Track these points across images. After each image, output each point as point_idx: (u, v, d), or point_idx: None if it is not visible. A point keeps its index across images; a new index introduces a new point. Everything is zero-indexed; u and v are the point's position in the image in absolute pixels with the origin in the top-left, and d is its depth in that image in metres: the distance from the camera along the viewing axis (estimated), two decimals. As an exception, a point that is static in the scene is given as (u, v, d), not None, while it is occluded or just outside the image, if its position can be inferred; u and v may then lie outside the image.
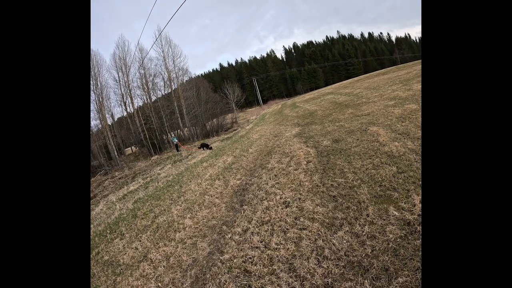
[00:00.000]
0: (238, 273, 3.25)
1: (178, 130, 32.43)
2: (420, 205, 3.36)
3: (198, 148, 17.04)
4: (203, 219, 5.13)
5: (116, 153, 27.66)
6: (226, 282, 3.15)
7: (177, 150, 22.74)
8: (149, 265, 4.04)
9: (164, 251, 4.32)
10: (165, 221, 5.61)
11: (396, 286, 2.37)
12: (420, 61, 43.57)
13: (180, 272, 3.67)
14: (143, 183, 11.85)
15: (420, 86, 11.76)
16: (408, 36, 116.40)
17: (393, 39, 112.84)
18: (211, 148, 15.55)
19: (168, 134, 31.54)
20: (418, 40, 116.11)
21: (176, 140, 24.20)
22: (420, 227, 2.99)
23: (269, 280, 2.96)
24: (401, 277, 2.43)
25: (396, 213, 3.38)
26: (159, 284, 3.55)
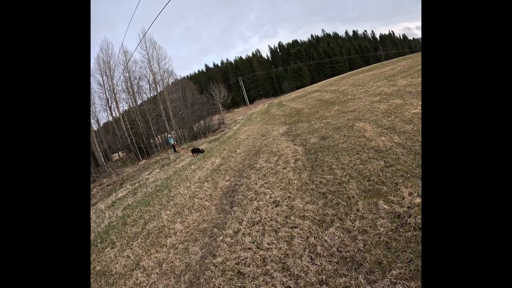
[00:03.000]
0: (232, 275, 3.22)
1: (165, 133, 31.98)
2: (409, 198, 3.42)
3: (191, 153, 15.26)
4: (194, 223, 5.08)
5: (103, 160, 27.00)
6: (220, 285, 3.12)
7: (175, 150, 21.81)
8: (142, 273, 3.96)
9: (156, 257, 4.25)
10: (155, 227, 5.52)
11: (390, 278, 2.39)
12: (404, 57, 44.46)
13: (174, 278, 3.61)
14: (131, 189, 11.64)
15: (405, 81, 12.01)
16: (392, 33, 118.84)
17: (377, 36, 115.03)
18: (200, 152, 14.13)
19: (155, 137, 31.04)
20: (401, 37, 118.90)
21: (173, 141, 23.27)
22: (410, 219, 3.03)
23: (263, 281, 2.94)
24: (394, 270, 2.46)
25: (386, 207, 3.42)
26: (152, 291, 3.49)
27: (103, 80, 29.84)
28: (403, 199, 3.45)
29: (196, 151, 14.55)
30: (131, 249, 4.90)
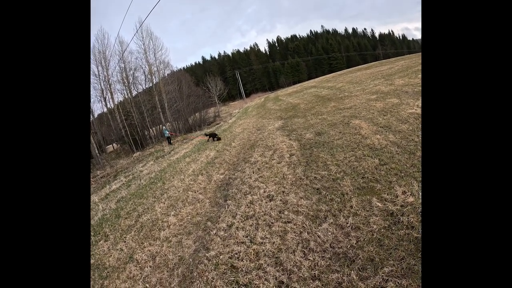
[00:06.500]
0: (225, 269, 3.23)
1: (160, 125, 31.75)
2: (402, 196, 3.45)
3: (206, 136, 14.61)
4: (187, 216, 5.07)
5: (97, 151, 26.73)
6: (213, 279, 3.12)
7: (169, 143, 21.15)
8: (136, 266, 3.95)
9: (149, 250, 4.24)
10: (149, 219, 5.50)
11: (382, 275, 2.42)
12: (402, 57, 44.56)
13: (167, 271, 3.61)
14: (125, 181, 11.57)
15: (402, 81, 12.05)
16: (391, 32, 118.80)
17: (377, 35, 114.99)
18: (215, 137, 13.59)
19: (150, 129, 30.79)
20: (401, 37, 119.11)
21: (168, 132, 22.47)
22: (403, 217, 3.06)
23: (256, 275, 2.96)
24: (386, 267, 2.48)
25: (379, 204, 3.45)
26: (147, 285, 3.48)
27: (98, 70, 29.37)
28: (397, 197, 3.48)
29: (212, 135, 13.98)
30: (125, 242, 4.88)
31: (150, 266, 3.83)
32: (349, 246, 2.93)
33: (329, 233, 3.25)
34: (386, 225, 3.05)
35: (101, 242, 5.29)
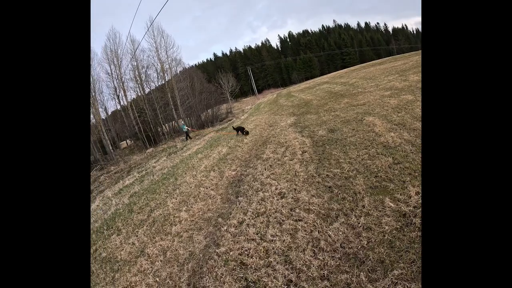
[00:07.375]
0: (234, 266, 3.25)
1: (173, 122, 32.11)
2: (416, 197, 3.37)
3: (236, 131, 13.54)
4: (199, 212, 5.12)
5: (111, 148, 27.29)
6: (222, 275, 3.15)
7: (187, 139, 21.09)
8: (147, 260, 4.03)
9: (160, 245, 4.31)
10: (161, 214, 5.59)
11: (391, 278, 2.38)
12: (416, 52, 43.46)
13: (177, 266, 3.66)
14: (138, 176, 11.77)
15: (417, 77, 11.74)
16: (405, 27, 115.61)
17: (390, 29, 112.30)
18: (243, 131, 12.75)
19: (163, 126, 31.17)
20: (415, 31, 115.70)
21: (186, 127, 22.40)
22: (416, 219, 2.99)
23: (265, 273, 2.96)
24: (396, 270, 2.44)
25: (392, 205, 3.38)
26: (157, 279, 3.55)
27: (110, 69, 29.85)
28: (410, 198, 3.40)
29: (240, 129, 13.28)
30: (137, 236, 4.98)
31: (161, 261, 3.90)
32: (359, 246, 2.89)
33: (340, 233, 3.21)
34: (398, 226, 2.99)
35: (113, 236, 5.42)
